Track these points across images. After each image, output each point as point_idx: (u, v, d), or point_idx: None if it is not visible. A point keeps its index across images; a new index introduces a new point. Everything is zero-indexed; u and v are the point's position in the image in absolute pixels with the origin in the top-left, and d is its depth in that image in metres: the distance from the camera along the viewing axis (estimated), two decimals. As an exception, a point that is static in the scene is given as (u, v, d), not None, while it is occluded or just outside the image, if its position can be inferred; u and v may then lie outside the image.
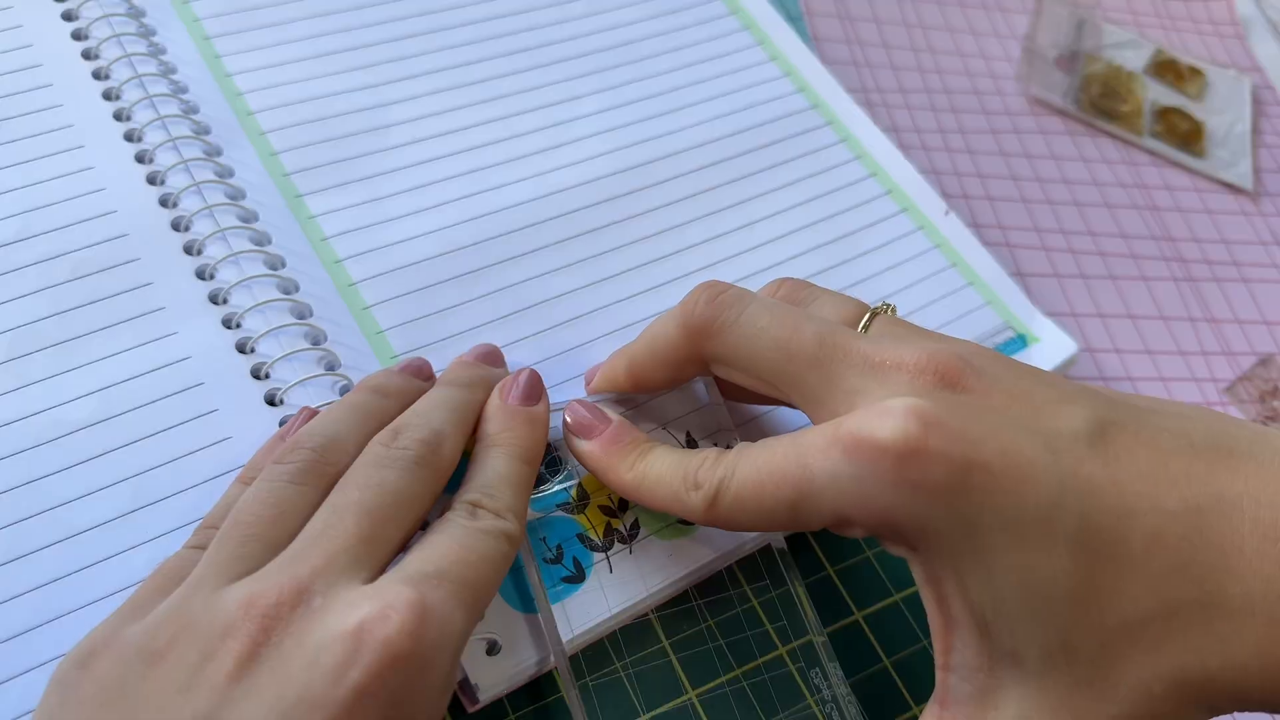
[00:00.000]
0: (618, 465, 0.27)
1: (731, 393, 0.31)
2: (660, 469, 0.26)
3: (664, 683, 0.28)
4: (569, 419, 0.29)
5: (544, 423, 0.28)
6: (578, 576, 0.28)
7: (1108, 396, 0.24)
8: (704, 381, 0.31)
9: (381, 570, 0.23)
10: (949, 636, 0.22)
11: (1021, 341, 0.37)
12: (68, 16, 0.35)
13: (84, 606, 0.26)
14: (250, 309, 0.31)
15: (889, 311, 0.28)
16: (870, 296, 0.36)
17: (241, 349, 0.30)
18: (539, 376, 0.28)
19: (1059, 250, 0.42)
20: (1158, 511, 0.22)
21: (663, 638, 0.29)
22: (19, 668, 0.25)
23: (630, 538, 0.29)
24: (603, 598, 0.28)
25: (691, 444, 0.30)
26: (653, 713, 0.28)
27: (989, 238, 0.42)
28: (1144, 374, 0.40)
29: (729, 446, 0.26)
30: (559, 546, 0.28)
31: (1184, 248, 0.45)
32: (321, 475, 0.24)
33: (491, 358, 0.30)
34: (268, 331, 0.30)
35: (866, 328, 0.27)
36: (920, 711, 0.28)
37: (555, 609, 0.28)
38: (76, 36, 0.35)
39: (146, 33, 0.36)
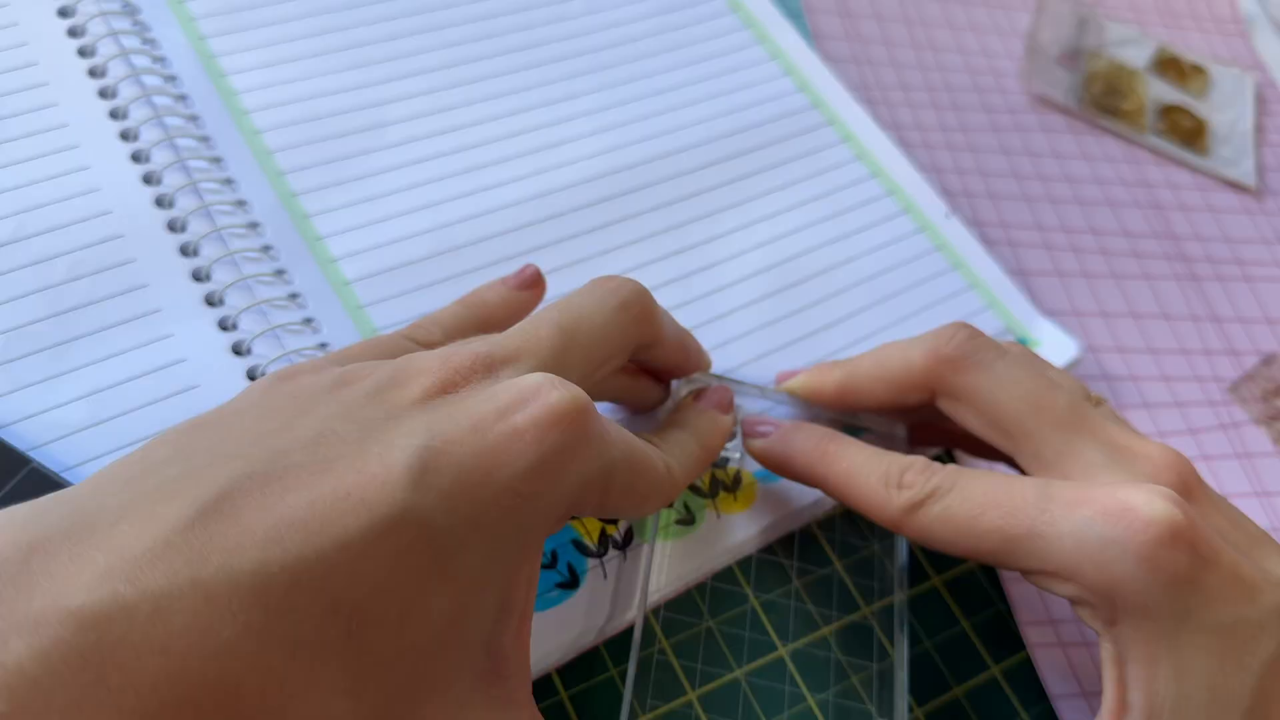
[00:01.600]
0: (803, 444, 0.28)
1: (928, 437, 0.32)
2: (858, 457, 0.27)
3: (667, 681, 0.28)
4: (746, 422, 0.29)
5: (727, 430, 0.29)
6: (572, 582, 0.28)
7: None
8: (895, 425, 0.31)
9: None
10: (1120, 718, 0.23)
11: (1023, 344, 0.36)
12: (63, 13, 0.35)
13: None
14: (246, 309, 0.31)
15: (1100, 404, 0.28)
16: (872, 297, 0.36)
17: (237, 350, 0.30)
18: (730, 392, 0.30)
19: (1061, 248, 0.42)
20: None
21: (661, 639, 0.29)
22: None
23: (624, 544, 0.29)
24: (597, 603, 0.28)
25: None
26: (701, 689, 0.28)
27: (991, 236, 0.41)
28: (1147, 373, 0.40)
29: None
30: (554, 552, 0.28)
31: (1187, 246, 0.44)
32: None
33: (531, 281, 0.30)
34: (263, 332, 0.30)
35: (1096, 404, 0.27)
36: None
37: (549, 614, 0.27)
38: (72, 34, 0.35)
39: (141, 31, 0.36)
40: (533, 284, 0.29)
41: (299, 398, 0.21)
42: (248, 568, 0.17)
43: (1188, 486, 0.25)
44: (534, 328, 0.24)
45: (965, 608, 0.31)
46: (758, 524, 0.30)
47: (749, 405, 0.32)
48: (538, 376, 0.21)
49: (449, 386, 0.21)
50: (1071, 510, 0.23)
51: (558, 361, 0.23)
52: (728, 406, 0.29)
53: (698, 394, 0.29)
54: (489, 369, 0.22)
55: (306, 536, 0.17)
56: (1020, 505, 0.24)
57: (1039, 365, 0.28)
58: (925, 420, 0.31)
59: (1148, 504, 0.23)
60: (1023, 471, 0.27)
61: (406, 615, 0.19)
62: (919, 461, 0.26)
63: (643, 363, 0.28)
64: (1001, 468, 0.29)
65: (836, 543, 0.31)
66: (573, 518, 0.28)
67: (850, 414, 0.31)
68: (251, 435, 0.20)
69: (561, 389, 0.21)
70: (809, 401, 0.31)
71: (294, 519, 0.18)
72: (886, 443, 0.29)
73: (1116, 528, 0.22)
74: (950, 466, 0.26)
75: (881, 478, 0.26)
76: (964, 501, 0.24)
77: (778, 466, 0.28)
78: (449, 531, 0.19)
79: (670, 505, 0.29)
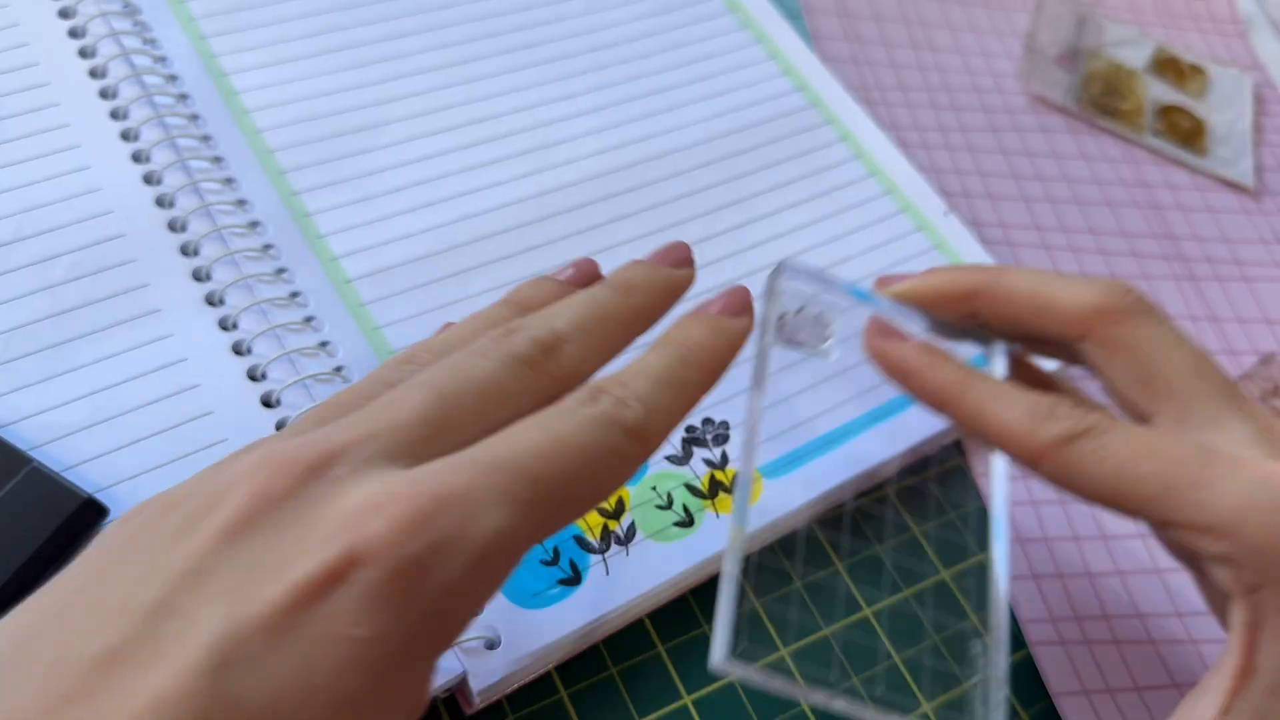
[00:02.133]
0: (942, 365, 0.26)
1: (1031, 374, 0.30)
2: (996, 386, 0.25)
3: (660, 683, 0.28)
4: (872, 323, 0.26)
5: (733, 335, 0.23)
6: (574, 579, 0.28)
7: None
8: (1000, 348, 0.28)
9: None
10: (1243, 683, 0.23)
11: None
12: (64, 14, 0.35)
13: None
14: (246, 308, 0.31)
15: None
16: (870, 296, 0.36)
17: (238, 350, 0.30)
18: (747, 292, 0.24)
19: (1060, 248, 0.42)
20: None
21: (657, 642, 0.29)
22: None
23: (627, 540, 0.29)
24: (599, 600, 0.28)
25: None
26: (694, 695, 0.28)
27: (990, 236, 0.41)
28: (1145, 373, 0.40)
29: None
30: (555, 548, 0.28)
31: (1185, 246, 0.44)
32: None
33: (675, 255, 0.25)
34: (263, 331, 0.30)
35: None
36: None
37: (550, 610, 0.27)
38: (73, 34, 0.35)
39: (142, 31, 0.36)
40: (583, 277, 0.25)
41: (122, 538, 0.18)
42: None
43: None
44: (405, 393, 0.20)
45: (976, 603, 0.31)
46: (759, 523, 0.30)
47: (837, 312, 0.28)
48: (355, 497, 0.18)
49: (264, 498, 0.18)
50: (1239, 470, 0.23)
51: (428, 432, 0.19)
52: (743, 310, 0.24)
53: (708, 302, 0.24)
54: (320, 462, 0.18)
55: None
56: (1185, 457, 0.23)
57: (1193, 338, 0.27)
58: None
59: None
60: None
61: None
62: (1068, 398, 0.25)
63: None
64: None
65: (843, 548, 0.31)
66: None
67: (960, 325, 0.28)
68: (62, 632, 0.17)
69: (379, 513, 0.17)
70: (924, 304, 0.28)
71: None
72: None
73: None
74: (1103, 410, 0.25)
75: (1029, 409, 0.25)
76: (1124, 443, 0.24)
77: (907, 378, 0.26)
78: (273, 711, 0.16)
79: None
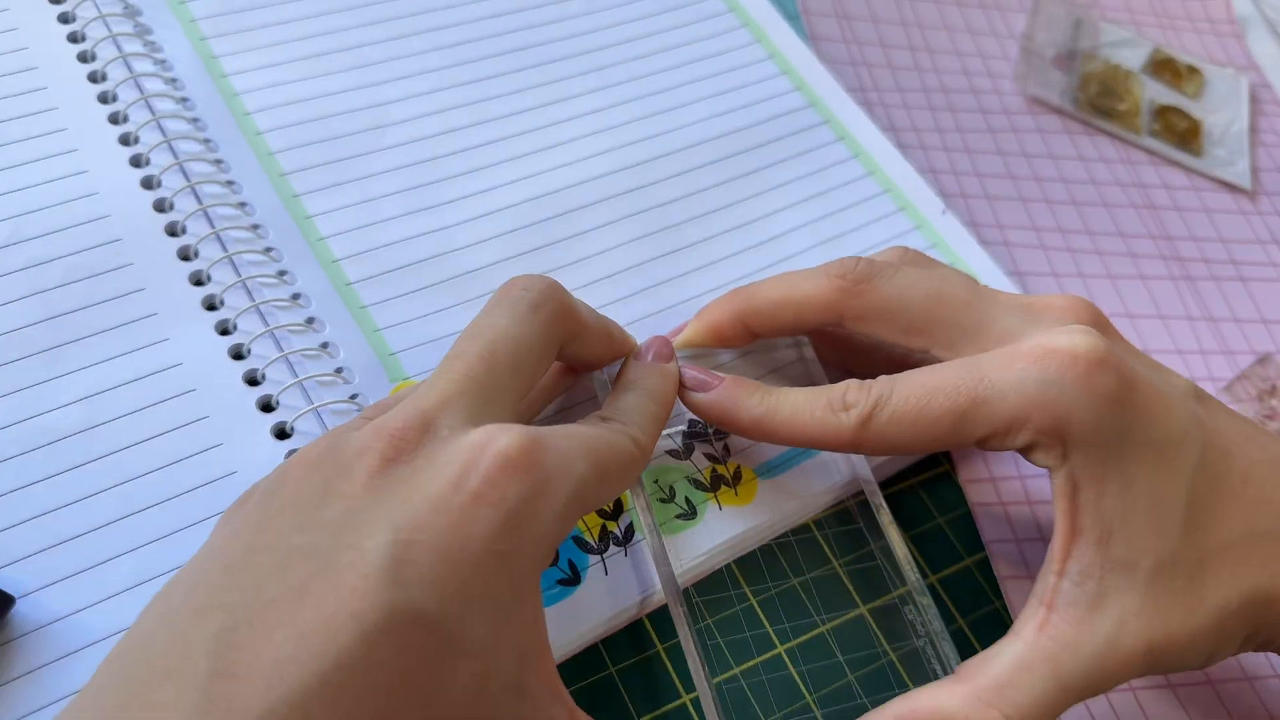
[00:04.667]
0: (743, 404, 0.28)
1: (834, 355, 0.33)
2: (794, 401, 0.27)
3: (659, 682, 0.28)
4: (684, 377, 0.29)
5: (675, 378, 0.29)
6: (573, 579, 0.28)
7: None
8: (800, 341, 0.32)
9: (506, 418, 0.23)
10: (1071, 544, 0.25)
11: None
12: (64, 19, 0.35)
13: (71, 614, 0.26)
14: (244, 311, 0.31)
15: None
16: (868, 297, 0.36)
17: (236, 354, 0.30)
18: (669, 341, 0.30)
19: (1057, 249, 0.42)
20: (1247, 457, 0.26)
21: (656, 641, 0.29)
22: (7, 675, 0.25)
23: (625, 540, 0.29)
24: (598, 600, 0.28)
25: None
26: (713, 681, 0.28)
27: (987, 237, 0.41)
28: (1143, 373, 0.40)
29: None
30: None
31: (1182, 246, 0.44)
32: None
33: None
34: (262, 334, 0.30)
35: None
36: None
37: (550, 611, 0.27)
38: (73, 39, 0.35)
39: (142, 33, 0.36)
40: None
41: (255, 521, 0.21)
42: (257, 716, 0.17)
43: (1098, 323, 0.27)
44: (453, 365, 0.24)
45: (960, 606, 0.32)
46: (760, 516, 0.30)
47: None
48: (478, 433, 0.21)
49: (392, 459, 0.21)
50: (1006, 368, 0.25)
51: (488, 392, 0.23)
52: (670, 355, 0.29)
53: (639, 352, 0.29)
54: (425, 427, 0.22)
55: (303, 668, 0.18)
56: (957, 382, 0.25)
57: (931, 264, 0.30)
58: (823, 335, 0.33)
59: (1070, 340, 0.25)
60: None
61: (430, 703, 0.19)
62: (853, 383, 0.27)
63: (567, 359, 0.28)
64: None
65: (832, 541, 0.31)
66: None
67: (752, 343, 0.31)
68: (223, 580, 0.20)
69: (504, 437, 0.21)
70: (710, 344, 0.31)
71: (287, 656, 0.18)
72: (798, 363, 0.31)
73: (1051, 367, 0.25)
74: (882, 376, 0.27)
75: (825, 406, 0.27)
76: (906, 399, 0.26)
77: (721, 422, 0.29)
78: (443, 615, 0.19)
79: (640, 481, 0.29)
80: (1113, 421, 0.25)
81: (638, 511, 0.29)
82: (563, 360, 0.28)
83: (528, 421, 0.29)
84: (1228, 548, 0.25)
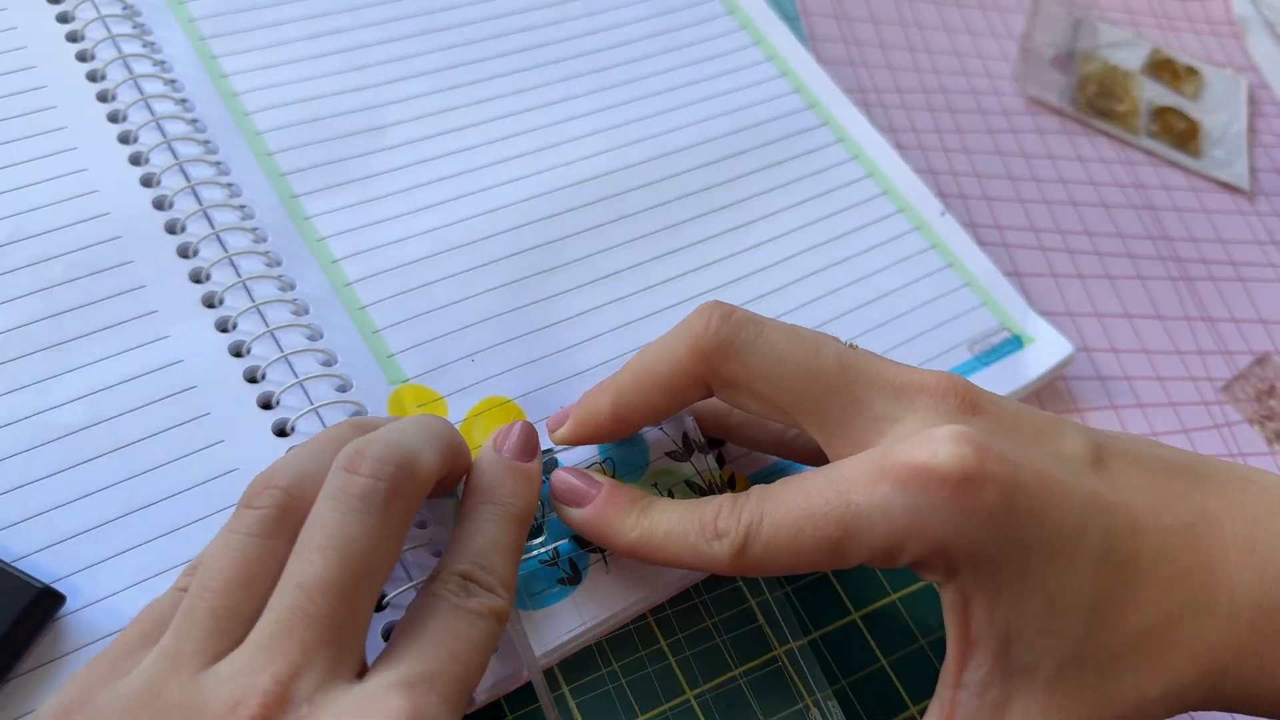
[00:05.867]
0: (618, 526, 0.26)
1: (712, 429, 0.30)
2: (669, 523, 0.25)
3: (664, 685, 0.28)
4: (556, 487, 0.27)
5: (538, 481, 0.26)
6: (573, 578, 0.28)
7: (1082, 425, 0.26)
8: (686, 414, 0.29)
9: (362, 646, 0.22)
10: (966, 657, 0.23)
11: (1017, 342, 0.37)
12: (63, 18, 0.35)
13: (74, 611, 0.26)
14: (244, 311, 0.31)
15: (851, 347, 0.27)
16: (866, 295, 0.36)
17: (236, 351, 0.30)
18: (535, 431, 0.27)
19: (1056, 250, 0.42)
20: (1160, 528, 0.24)
21: (660, 639, 0.29)
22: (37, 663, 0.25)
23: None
24: (599, 599, 0.28)
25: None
26: (648, 714, 0.28)
27: (986, 237, 0.42)
28: (1140, 373, 0.40)
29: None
30: (555, 549, 0.28)
31: (1180, 247, 0.45)
32: (292, 519, 0.23)
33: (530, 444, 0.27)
34: (262, 334, 0.30)
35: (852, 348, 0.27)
36: (919, 712, 0.28)
37: (551, 610, 0.27)
38: (71, 38, 0.35)
39: (142, 33, 0.36)
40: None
41: None
42: None
43: (970, 403, 0.24)
44: (306, 599, 0.21)
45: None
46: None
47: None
48: None
49: None
50: (870, 490, 0.23)
51: (344, 635, 0.21)
52: (532, 451, 0.27)
53: (495, 442, 0.26)
54: (283, 705, 0.20)
55: None
56: (823, 506, 0.23)
57: (795, 330, 0.26)
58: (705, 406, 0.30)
59: (935, 454, 0.22)
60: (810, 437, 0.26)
61: None
62: (725, 501, 0.25)
63: None
64: None
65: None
66: None
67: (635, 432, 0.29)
68: None
69: None
70: (591, 441, 0.28)
71: None
72: (680, 439, 0.28)
73: (916, 492, 0.22)
74: (751, 493, 0.25)
75: (698, 534, 0.25)
76: (777, 527, 0.24)
77: (600, 543, 0.27)
78: None
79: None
80: (996, 536, 0.22)
81: (515, 640, 0.27)
82: None
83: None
84: (1143, 636, 0.23)
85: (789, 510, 0.24)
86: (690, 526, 0.25)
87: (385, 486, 0.22)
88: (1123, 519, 0.23)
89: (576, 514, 0.26)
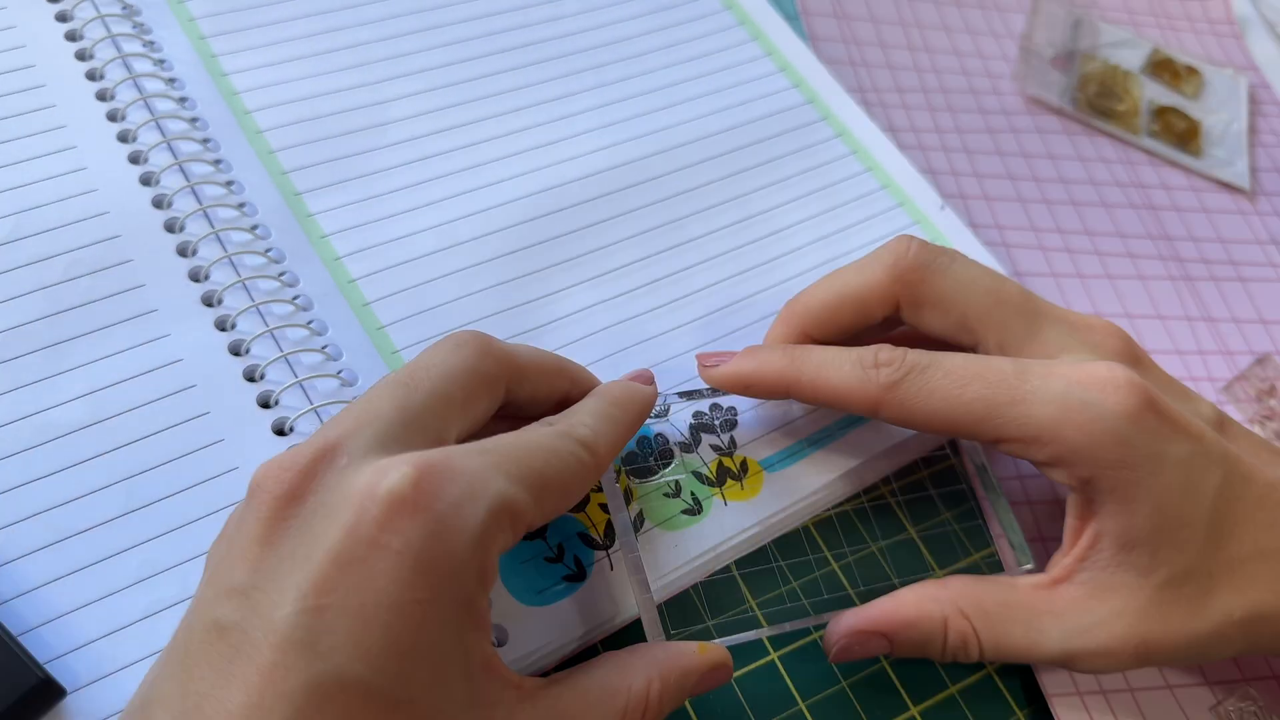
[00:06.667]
0: (769, 358, 0.28)
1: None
2: (824, 353, 0.27)
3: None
4: (701, 358, 0.29)
5: (644, 394, 0.28)
6: (579, 575, 0.28)
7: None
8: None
9: (425, 442, 0.22)
10: (1092, 549, 0.27)
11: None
12: (62, 18, 0.35)
13: (75, 610, 0.26)
14: (244, 310, 0.30)
15: None
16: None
17: (235, 351, 0.30)
18: (651, 374, 0.30)
19: (1056, 249, 0.42)
20: (1264, 481, 0.27)
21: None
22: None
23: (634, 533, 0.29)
24: (603, 596, 0.28)
25: None
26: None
27: (986, 237, 0.41)
28: (1142, 373, 0.40)
29: None
30: (560, 545, 0.28)
31: (1181, 247, 0.45)
32: None
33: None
34: (264, 332, 0.30)
35: None
36: (920, 713, 0.28)
37: (556, 607, 0.27)
38: (70, 37, 0.35)
39: (141, 32, 0.36)
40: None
41: (199, 584, 0.21)
42: None
43: (1133, 352, 0.29)
44: (369, 393, 0.23)
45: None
46: (765, 511, 0.30)
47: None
48: (369, 471, 0.20)
49: (286, 498, 0.20)
50: (1048, 378, 0.26)
51: (404, 415, 0.22)
52: (648, 379, 0.29)
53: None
54: (323, 457, 0.21)
55: None
56: (1002, 377, 0.26)
57: (979, 263, 0.30)
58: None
59: (1109, 370, 0.26)
60: None
61: None
62: (887, 345, 0.27)
63: (522, 407, 0.27)
64: None
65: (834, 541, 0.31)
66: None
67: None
68: (163, 669, 0.20)
69: (393, 474, 0.20)
70: (756, 378, 0.29)
71: None
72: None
73: (1096, 392, 0.25)
74: (919, 349, 0.27)
75: (856, 362, 0.27)
76: (946, 375, 0.26)
77: (745, 386, 0.28)
78: (375, 675, 0.19)
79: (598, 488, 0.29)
80: (1146, 448, 0.25)
81: (611, 508, 0.28)
82: (520, 405, 0.27)
83: None
84: (1238, 563, 0.27)
85: (963, 365, 0.26)
86: (847, 357, 0.27)
87: (455, 337, 0.25)
88: (1238, 468, 0.27)
89: (725, 367, 0.29)
